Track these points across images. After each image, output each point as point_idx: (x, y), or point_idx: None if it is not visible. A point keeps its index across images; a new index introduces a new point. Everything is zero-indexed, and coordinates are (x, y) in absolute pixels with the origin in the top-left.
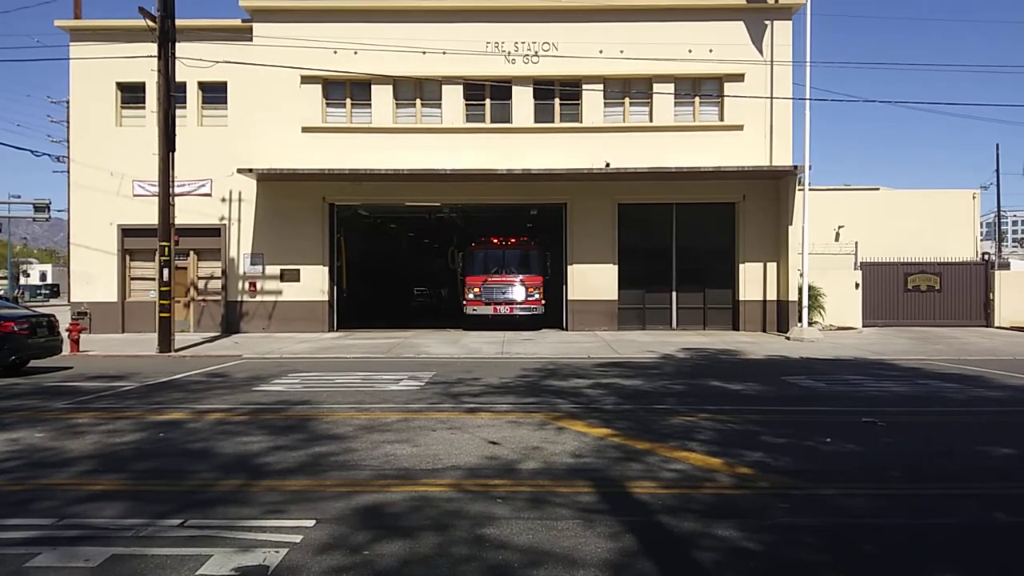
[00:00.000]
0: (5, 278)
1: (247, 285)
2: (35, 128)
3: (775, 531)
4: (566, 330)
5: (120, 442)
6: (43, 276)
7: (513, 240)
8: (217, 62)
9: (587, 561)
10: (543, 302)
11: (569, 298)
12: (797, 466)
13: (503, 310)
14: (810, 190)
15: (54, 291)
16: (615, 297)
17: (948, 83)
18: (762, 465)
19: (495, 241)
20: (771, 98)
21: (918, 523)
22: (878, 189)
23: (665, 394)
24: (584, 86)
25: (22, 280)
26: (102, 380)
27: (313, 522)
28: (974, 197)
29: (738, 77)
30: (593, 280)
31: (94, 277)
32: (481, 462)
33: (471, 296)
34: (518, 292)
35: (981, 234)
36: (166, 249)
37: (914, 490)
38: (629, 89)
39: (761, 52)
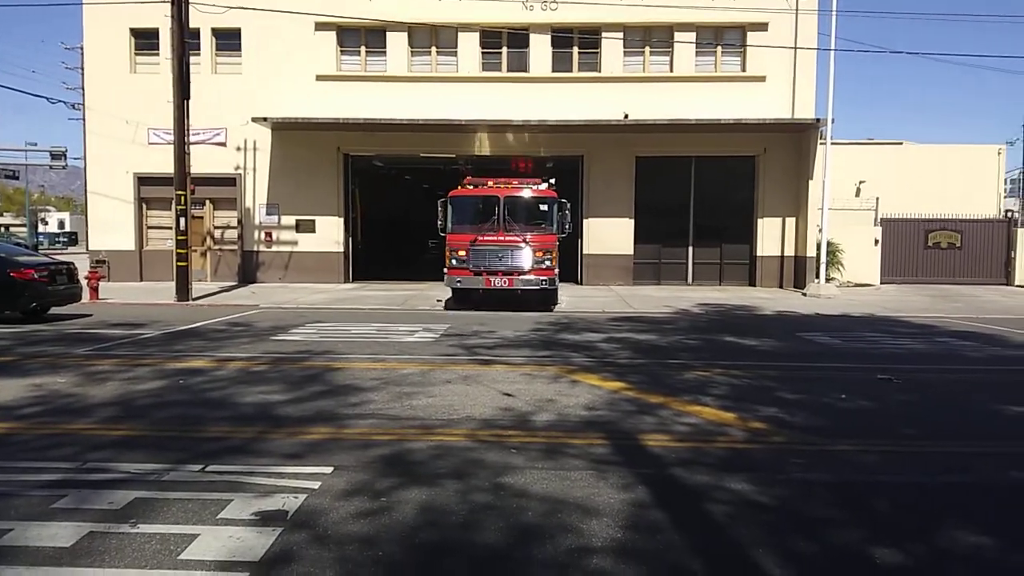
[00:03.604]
0: (24, 226)
1: (263, 235)
2: (50, 75)
3: (788, 486)
4: (580, 284)
5: (141, 389)
6: (61, 224)
7: (516, 183)
8: (231, 7)
9: (600, 511)
10: (556, 271)
11: (584, 252)
12: (811, 422)
13: (499, 283)
14: (832, 144)
15: (72, 239)
16: (631, 252)
17: (978, 34)
18: (776, 420)
19: (491, 184)
20: (795, 48)
21: (931, 481)
22: (901, 143)
23: (679, 349)
24: (603, 34)
25: (40, 228)
26: (122, 327)
27: (331, 469)
28: (999, 153)
29: (762, 26)
30: (609, 234)
31: (112, 225)
32: (496, 413)
33: (454, 262)
34: (523, 257)
35: (1005, 191)
36: (182, 198)
37: (928, 447)
38: (650, 38)
39: (786, 0)
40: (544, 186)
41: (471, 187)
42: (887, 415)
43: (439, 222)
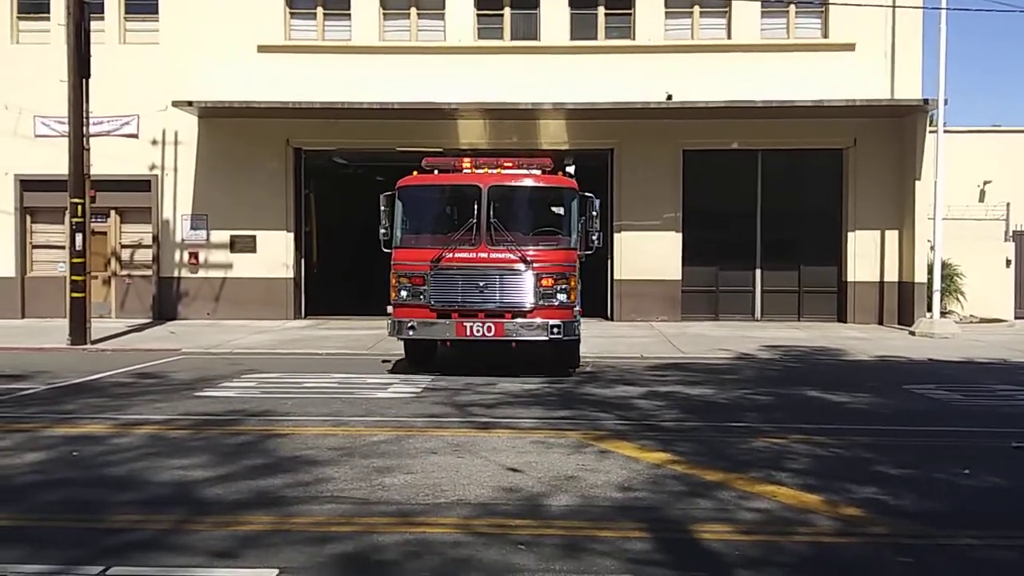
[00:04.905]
0: None
1: (186, 256)
2: None
3: None
4: (611, 320)
5: (20, 463)
6: None
7: (511, 165)
8: None
9: None
10: (578, 310)
11: (615, 277)
12: (923, 506)
13: (479, 329)
14: (945, 132)
15: None
16: (678, 276)
17: None
18: (876, 504)
19: (466, 165)
20: (893, 7)
21: None
22: None
23: (744, 407)
24: None
25: None
26: None
27: (275, 572)
28: None
29: None
30: (648, 253)
31: None
32: (497, 495)
33: (404, 294)
34: (520, 287)
35: None
36: (80, 208)
37: None
38: None
39: None
40: (557, 173)
41: (434, 172)
42: None
43: (382, 230)
